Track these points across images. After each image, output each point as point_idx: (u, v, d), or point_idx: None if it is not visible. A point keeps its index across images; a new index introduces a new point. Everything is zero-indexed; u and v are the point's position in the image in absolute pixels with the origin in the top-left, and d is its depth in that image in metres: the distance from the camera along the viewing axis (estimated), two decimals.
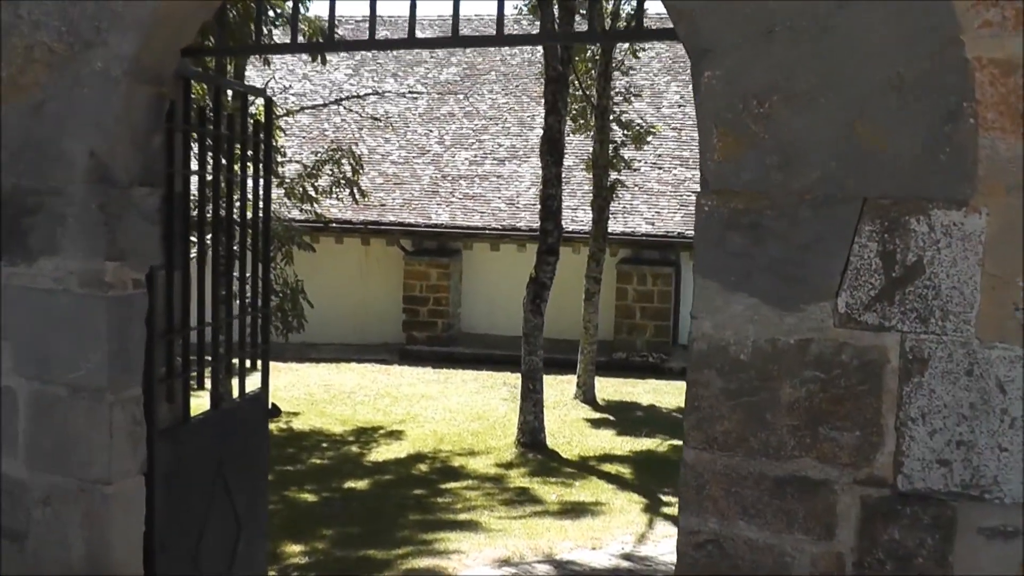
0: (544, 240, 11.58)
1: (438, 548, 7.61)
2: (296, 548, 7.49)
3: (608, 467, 11.49)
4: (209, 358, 4.01)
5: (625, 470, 11.39)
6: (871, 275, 2.61)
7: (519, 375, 16.45)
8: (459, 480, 10.43)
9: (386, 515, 8.80)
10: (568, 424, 13.51)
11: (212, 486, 3.99)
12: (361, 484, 10.20)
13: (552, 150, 11.31)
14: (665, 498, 9.96)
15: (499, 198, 19.86)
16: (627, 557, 7.63)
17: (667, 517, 9.05)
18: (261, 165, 4.17)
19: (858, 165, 2.59)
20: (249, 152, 4.20)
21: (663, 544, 8.03)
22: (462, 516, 8.83)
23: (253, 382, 4.42)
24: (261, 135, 4.16)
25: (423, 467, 10.96)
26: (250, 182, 4.26)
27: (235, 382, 4.34)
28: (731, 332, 2.69)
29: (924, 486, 2.61)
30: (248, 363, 4.30)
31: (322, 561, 7.22)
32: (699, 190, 2.68)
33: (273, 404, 4.68)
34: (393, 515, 8.80)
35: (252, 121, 4.19)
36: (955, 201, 2.55)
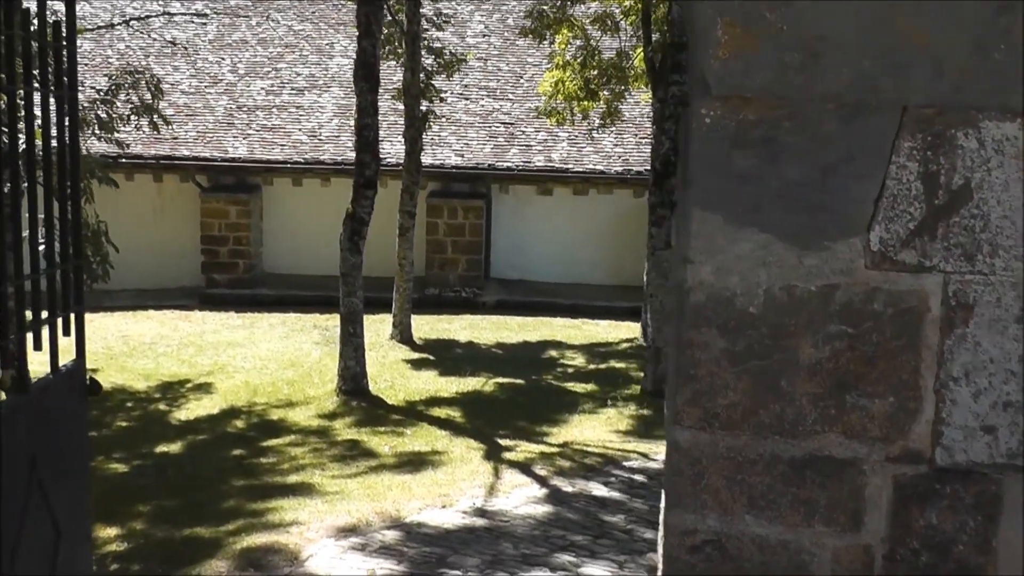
0: (361, 173, 10.77)
1: (272, 520, 6.83)
2: (111, 532, 6.53)
3: (437, 411, 10.95)
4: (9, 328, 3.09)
5: (455, 413, 10.89)
6: (910, 203, 2.08)
7: (329, 316, 15.69)
8: (281, 436, 9.63)
9: (206, 482, 7.92)
10: (388, 367, 12.87)
11: (26, 489, 3.12)
12: (174, 447, 9.23)
13: (368, 76, 10.47)
14: (503, 442, 9.55)
15: (300, 130, 18.73)
16: (480, 513, 7.11)
17: (511, 464, 8.61)
18: (64, 76, 3.23)
19: (897, 65, 2.04)
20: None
21: (515, 495, 7.58)
22: (292, 478, 8.06)
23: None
24: (63, 34, 3.21)
25: (239, 423, 10.07)
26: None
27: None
28: (737, 278, 2.10)
29: (966, 459, 2.14)
30: (60, 329, 3.40)
31: (142, 546, 6.31)
32: (697, 97, 2.05)
33: (91, 378, 3.75)
34: (214, 482, 7.93)
35: (51, 24, 3.23)
36: (1009, 111, 2.04)
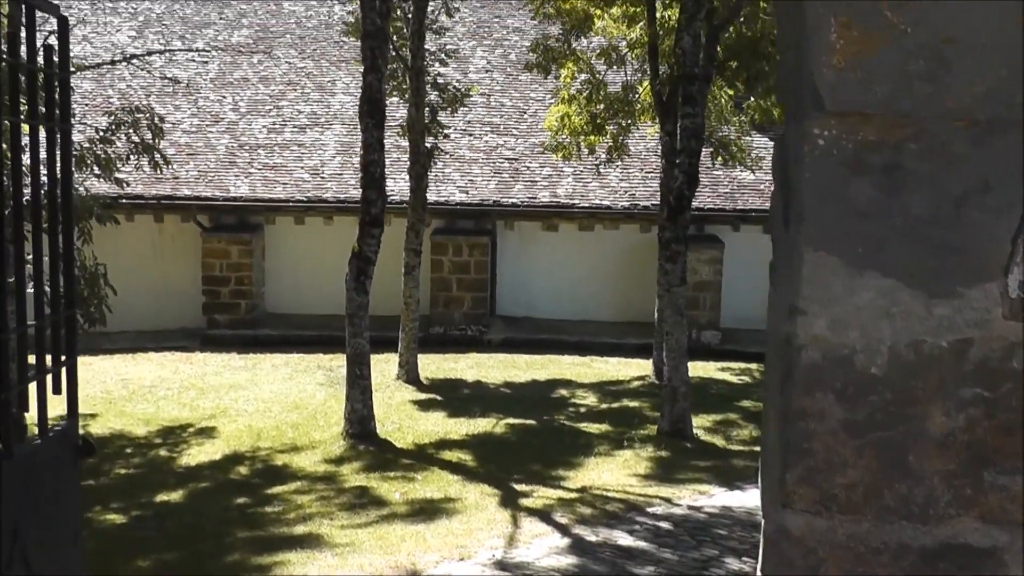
0: (367, 210, 10.45)
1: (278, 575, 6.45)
2: None
3: (448, 454, 10.58)
4: None
5: (466, 457, 10.52)
6: None
7: (333, 356, 15.33)
8: (286, 482, 9.24)
9: (209, 534, 7.53)
10: (395, 408, 12.50)
11: (8, 564, 2.75)
12: (175, 496, 8.84)
13: (373, 111, 10.18)
14: (518, 488, 9.17)
15: (302, 168, 18.44)
16: (501, 566, 6.72)
17: (529, 511, 8.24)
18: (57, 108, 2.90)
19: None
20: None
21: (536, 546, 7.19)
22: (299, 529, 7.67)
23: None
24: (55, 65, 2.87)
25: (243, 469, 9.69)
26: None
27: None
28: (857, 333, 1.75)
29: None
30: (50, 386, 3.05)
31: None
32: (807, 114, 1.71)
33: (84, 438, 3.38)
34: (217, 533, 7.54)
35: (42, 48, 2.91)
36: None
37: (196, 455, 10.24)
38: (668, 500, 8.78)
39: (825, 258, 1.75)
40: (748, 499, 8.95)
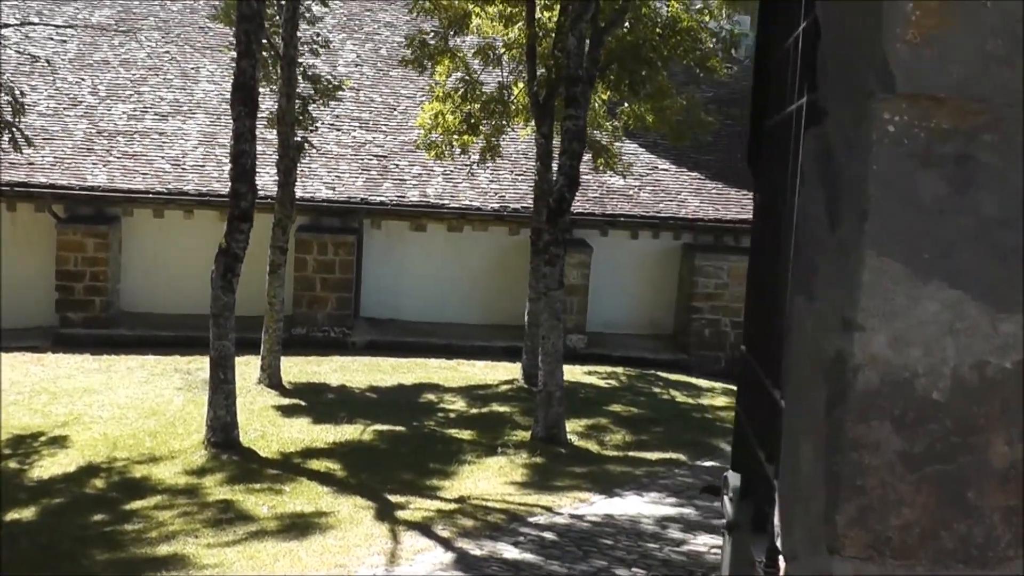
0: (237, 204, 9.87)
1: None
2: None
3: (315, 464, 10.12)
4: None
5: (335, 466, 10.09)
6: None
7: (191, 359, 14.59)
8: (146, 496, 8.62)
9: (66, 556, 6.91)
10: (257, 414, 11.94)
11: None
12: (27, 513, 8.12)
13: (247, 99, 9.62)
14: (393, 499, 8.81)
15: (162, 158, 17.53)
16: None
17: (408, 525, 7.89)
18: None
19: None
20: None
21: (420, 562, 6.86)
22: (162, 549, 7.11)
23: None
24: None
25: (99, 483, 9.00)
26: None
27: None
28: (919, 352, 1.51)
29: None
30: None
31: None
32: (874, 95, 1.45)
33: None
34: (75, 555, 6.94)
35: None
36: None
37: (49, 467, 9.45)
38: (549, 509, 8.57)
39: (888, 264, 1.50)
40: (628, 506, 8.84)
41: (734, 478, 2.84)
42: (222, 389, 9.98)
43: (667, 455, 11.24)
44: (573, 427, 12.00)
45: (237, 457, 9.95)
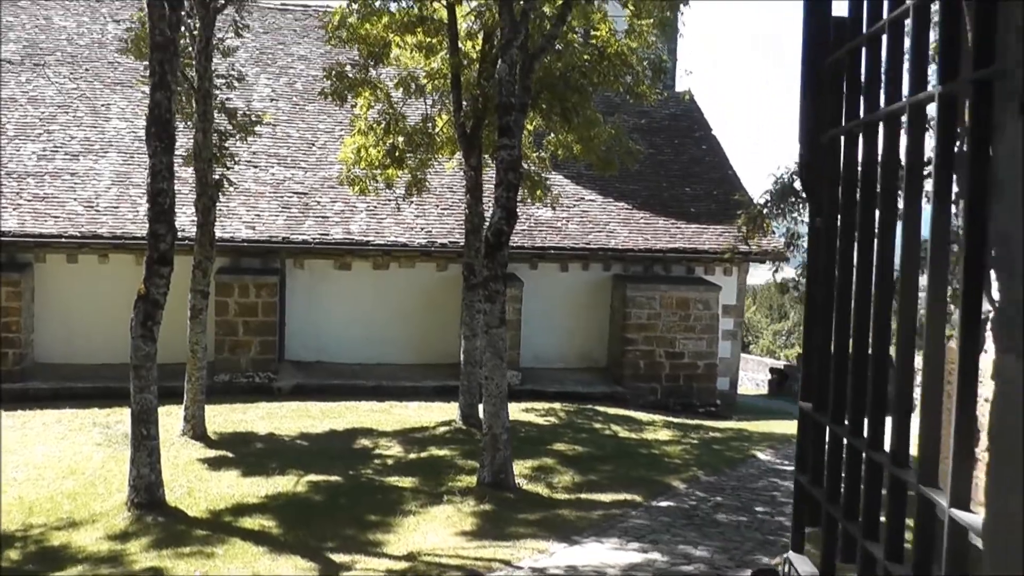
0: (156, 247, 9.15)
1: None
2: None
3: (248, 522, 9.39)
4: None
5: (270, 523, 9.37)
6: None
7: (110, 411, 13.74)
8: (65, 566, 7.84)
9: None
10: (183, 469, 11.15)
11: None
12: None
13: (163, 133, 8.94)
14: (337, 558, 8.15)
15: (75, 199, 16.60)
16: None
17: None
18: None
19: None
20: None
21: None
22: None
23: None
24: None
25: (13, 554, 8.16)
26: None
27: None
28: None
29: None
30: None
31: None
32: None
33: None
34: None
35: None
36: None
37: None
38: (508, 563, 8.00)
39: None
40: (591, 555, 8.32)
41: (804, 565, 2.36)
42: (145, 446, 9.21)
43: (620, 496, 10.76)
44: (519, 469, 11.46)
45: (163, 518, 9.17)
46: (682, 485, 11.46)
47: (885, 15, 1.93)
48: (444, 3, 13.91)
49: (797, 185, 14.69)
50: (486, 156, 14.81)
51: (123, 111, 18.65)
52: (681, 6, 13.04)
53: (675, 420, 16.82)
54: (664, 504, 10.50)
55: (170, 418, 12.66)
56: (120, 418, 13.31)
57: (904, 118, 1.94)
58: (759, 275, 31.88)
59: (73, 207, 16.49)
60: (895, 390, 1.87)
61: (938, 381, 1.78)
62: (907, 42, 1.96)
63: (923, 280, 1.82)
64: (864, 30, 2.25)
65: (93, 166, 17.39)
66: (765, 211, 15.32)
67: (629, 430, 15.23)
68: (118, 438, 12.07)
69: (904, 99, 1.91)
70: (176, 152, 9.95)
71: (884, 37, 2.02)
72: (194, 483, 10.60)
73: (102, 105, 18.83)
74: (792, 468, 12.76)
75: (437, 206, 18.69)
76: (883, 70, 2.12)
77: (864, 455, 1.96)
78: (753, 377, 29.89)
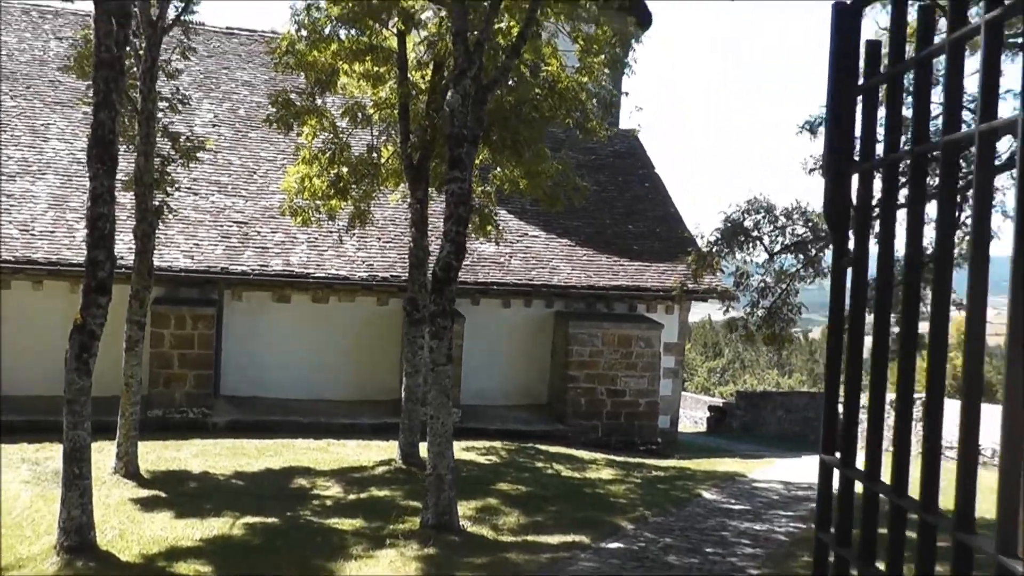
0: (94, 275, 8.73)
1: None
2: None
3: (183, 567, 8.94)
4: None
5: (205, 569, 8.93)
6: None
7: (39, 447, 13.17)
8: None
9: None
10: (114, 510, 10.65)
11: None
12: None
13: (105, 155, 8.56)
14: None
15: (9, 223, 15.95)
16: None
17: None
18: None
19: None
20: None
21: None
22: None
23: None
24: None
25: None
26: None
27: None
28: None
29: None
30: None
31: None
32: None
33: None
34: None
35: None
36: None
37: None
38: None
39: None
40: None
41: None
42: (77, 485, 8.73)
43: (568, 537, 10.51)
44: (463, 510, 11.17)
45: (94, 563, 8.68)
46: (630, 526, 11.26)
47: (937, 37, 1.77)
48: (394, 31, 13.72)
49: (747, 223, 14.76)
50: (432, 189, 14.60)
51: (63, 132, 18.08)
52: (633, 43, 13.01)
53: (617, 458, 16.66)
54: (613, 546, 10.27)
55: (102, 455, 12.16)
56: (50, 454, 12.74)
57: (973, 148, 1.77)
58: (696, 313, 32.03)
59: (8, 230, 15.88)
60: (923, 434, 1.72)
61: (975, 428, 1.63)
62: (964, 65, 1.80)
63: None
64: (909, 53, 2.09)
65: (30, 188, 16.79)
66: (715, 249, 15.33)
67: (572, 469, 15.02)
68: (48, 475, 11.53)
69: (970, 126, 1.75)
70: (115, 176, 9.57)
71: (938, 59, 1.87)
72: (126, 525, 10.12)
73: (41, 125, 18.25)
74: (740, 507, 12.68)
75: (379, 239, 18.40)
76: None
77: (919, 518, 1.78)
78: (691, 415, 29.93)
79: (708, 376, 64.91)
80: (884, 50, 2.46)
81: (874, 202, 2.29)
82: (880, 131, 2.43)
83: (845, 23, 2.60)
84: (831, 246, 2.83)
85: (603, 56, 13.33)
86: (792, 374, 63.39)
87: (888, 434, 3.22)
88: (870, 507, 2.14)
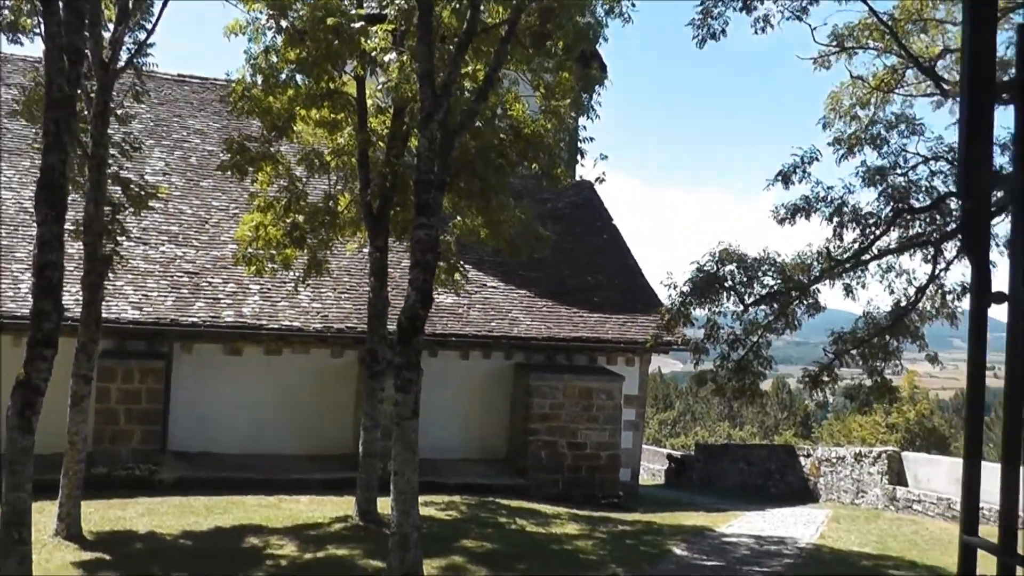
0: (39, 326, 8.22)
1: None
2: None
3: None
4: None
5: None
6: None
7: None
8: None
9: None
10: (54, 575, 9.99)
11: None
12: None
13: (54, 200, 8.11)
14: None
15: None
16: None
17: None
18: None
19: None
20: None
21: None
22: None
23: None
24: None
25: None
26: None
27: None
28: None
29: None
30: None
31: None
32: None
33: None
34: None
35: None
36: None
37: None
38: None
39: None
40: None
41: None
42: (16, 551, 8.13)
43: None
44: (428, 569, 10.69)
45: None
46: None
47: None
48: (353, 76, 13.42)
49: (721, 273, 14.53)
50: (391, 238, 14.24)
51: (9, 180, 17.46)
52: (597, 87, 12.82)
53: (580, 512, 16.25)
54: None
55: (42, 515, 11.51)
56: None
57: None
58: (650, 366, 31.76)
59: None
60: None
61: None
62: None
63: None
64: None
65: None
66: (688, 299, 15.06)
67: (536, 524, 14.58)
68: None
69: None
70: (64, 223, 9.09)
71: None
72: None
73: None
74: (713, 563, 12.30)
75: (335, 289, 17.96)
76: None
77: None
78: (648, 467, 29.58)
79: (659, 428, 64.70)
80: None
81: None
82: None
83: (981, 12, 2.31)
84: (952, 282, 2.52)
85: (568, 100, 13.13)
86: (743, 426, 63.39)
87: None
88: None
